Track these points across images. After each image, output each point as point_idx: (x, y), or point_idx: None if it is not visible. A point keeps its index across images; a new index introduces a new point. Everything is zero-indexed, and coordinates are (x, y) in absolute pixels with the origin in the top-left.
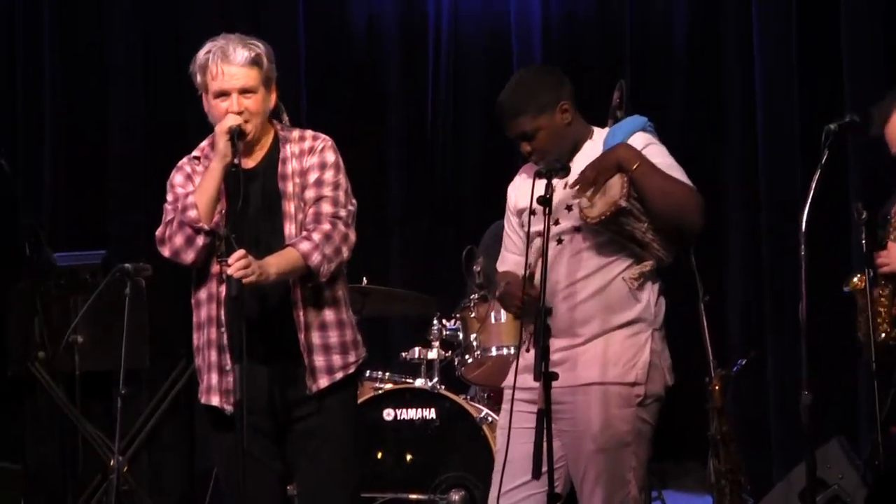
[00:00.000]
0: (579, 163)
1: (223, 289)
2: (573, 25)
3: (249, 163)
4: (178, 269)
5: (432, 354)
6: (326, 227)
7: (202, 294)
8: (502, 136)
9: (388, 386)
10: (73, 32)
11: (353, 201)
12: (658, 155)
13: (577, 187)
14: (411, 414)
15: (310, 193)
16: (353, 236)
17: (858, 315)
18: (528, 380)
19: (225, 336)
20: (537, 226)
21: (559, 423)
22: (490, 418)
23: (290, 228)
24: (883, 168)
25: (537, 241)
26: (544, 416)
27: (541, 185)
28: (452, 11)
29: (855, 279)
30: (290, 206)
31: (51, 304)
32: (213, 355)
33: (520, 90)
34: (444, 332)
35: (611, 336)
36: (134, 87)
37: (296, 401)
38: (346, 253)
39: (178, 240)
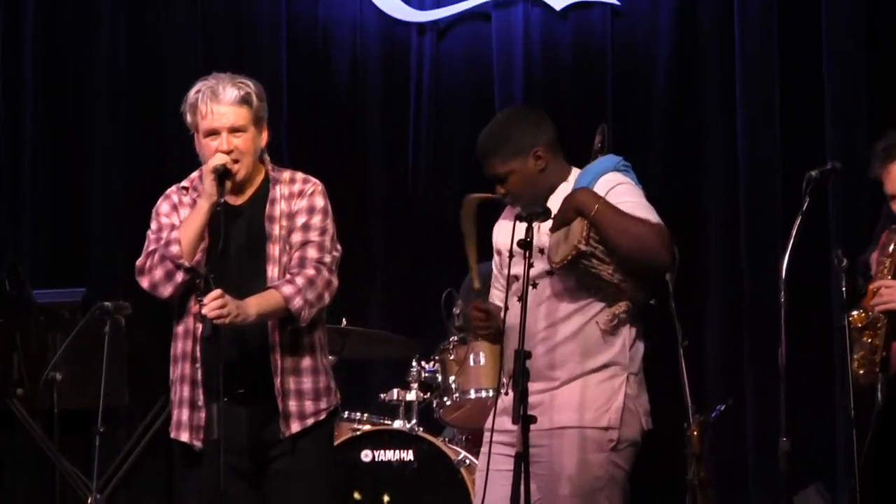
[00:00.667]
0: (552, 204)
1: (200, 326)
2: (555, 70)
3: (237, 200)
4: (158, 308)
5: (411, 396)
6: (310, 272)
7: (180, 328)
8: (483, 179)
9: (367, 427)
10: (55, 69)
11: (339, 247)
12: (625, 194)
13: (550, 231)
14: (389, 455)
15: (296, 237)
16: (335, 282)
17: (853, 349)
18: (506, 422)
19: (199, 372)
20: (515, 269)
21: (535, 465)
22: (468, 461)
23: (272, 271)
24: (863, 215)
25: (515, 285)
26: (522, 460)
27: (521, 228)
28: (434, 54)
29: (855, 314)
30: (274, 249)
31: (30, 340)
32: (186, 390)
33: (495, 132)
34: (423, 374)
35: (586, 380)
36: (115, 124)
37: (270, 442)
38: (327, 299)
39: (158, 273)
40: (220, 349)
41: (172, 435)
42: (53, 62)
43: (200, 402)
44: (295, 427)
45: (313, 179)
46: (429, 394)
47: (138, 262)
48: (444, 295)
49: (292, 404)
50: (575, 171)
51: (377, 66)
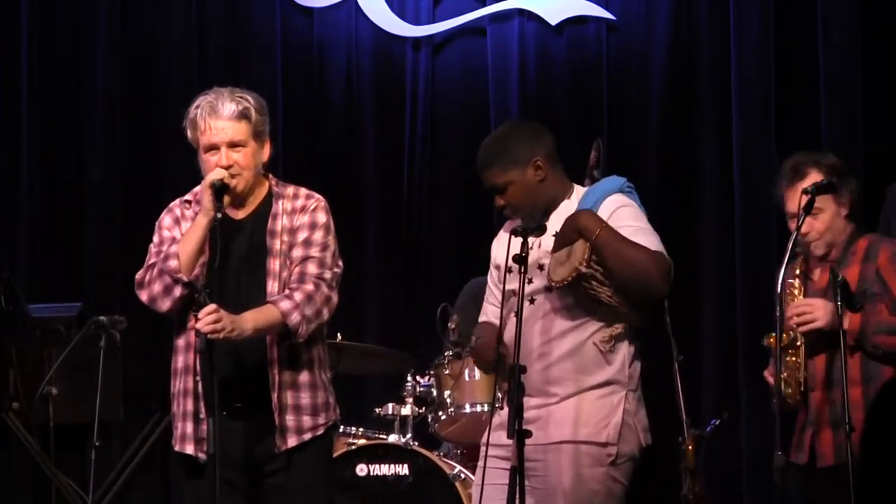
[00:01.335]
0: (554, 223)
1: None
2: (550, 85)
3: (239, 214)
4: (153, 323)
5: (406, 411)
6: (310, 287)
7: (181, 342)
8: (478, 194)
9: (362, 441)
10: (51, 85)
11: (340, 263)
12: (628, 218)
13: (552, 250)
14: (384, 470)
15: (297, 252)
16: (335, 299)
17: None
18: (502, 437)
19: (200, 385)
20: (512, 284)
21: (531, 480)
22: (463, 475)
23: (272, 286)
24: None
25: (512, 300)
26: (517, 474)
27: (516, 243)
28: (430, 69)
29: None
30: (274, 264)
31: (25, 355)
32: (189, 404)
33: (494, 143)
34: (418, 389)
35: (584, 396)
36: (112, 140)
37: (267, 457)
38: (326, 315)
39: (157, 287)
40: (215, 363)
41: (177, 448)
42: (49, 81)
43: (202, 415)
44: (292, 441)
45: (317, 195)
46: (424, 408)
47: (138, 275)
48: (440, 310)
49: (289, 419)
50: (578, 189)
51: (372, 80)
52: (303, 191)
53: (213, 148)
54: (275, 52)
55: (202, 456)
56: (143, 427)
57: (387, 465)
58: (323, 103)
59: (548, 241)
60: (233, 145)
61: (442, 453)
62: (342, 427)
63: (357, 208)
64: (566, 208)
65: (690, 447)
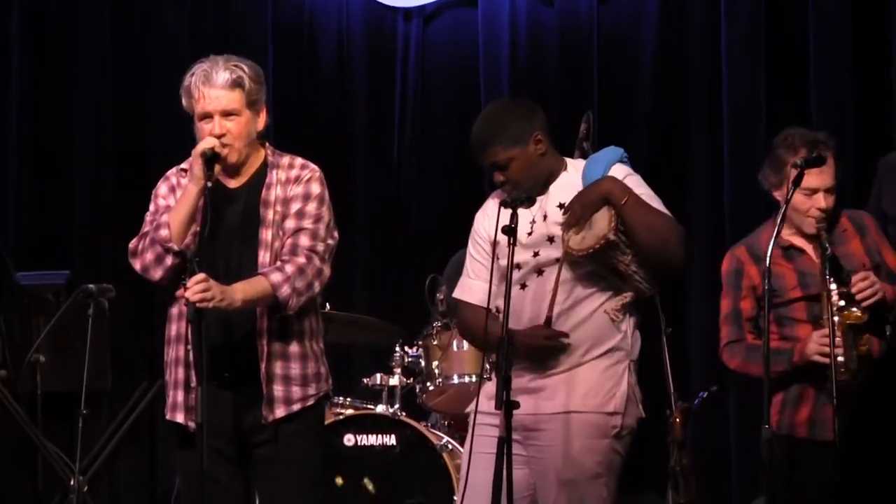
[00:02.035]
0: (555, 195)
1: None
2: (541, 56)
3: (233, 183)
4: (142, 291)
5: (394, 381)
6: (301, 260)
7: (174, 310)
8: (468, 166)
9: (349, 412)
10: (42, 54)
11: (335, 235)
12: (638, 186)
13: (564, 220)
14: (372, 440)
15: (290, 224)
16: (327, 271)
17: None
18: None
19: (192, 354)
20: (518, 256)
21: (532, 450)
22: (451, 446)
23: (264, 256)
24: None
25: (517, 273)
26: (504, 444)
27: (506, 215)
28: (421, 40)
29: (856, 310)
30: (267, 234)
31: (13, 323)
32: (181, 372)
33: (493, 120)
34: (406, 359)
35: (592, 365)
36: (100, 106)
37: (255, 427)
38: (317, 288)
39: (149, 256)
40: (203, 333)
41: (168, 416)
42: (40, 50)
43: (193, 384)
44: (280, 412)
45: (312, 166)
46: (412, 379)
47: (131, 244)
48: (428, 280)
49: (278, 389)
50: (571, 162)
51: (363, 51)
52: (298, 160)
53: (207, 116)
54: (265, 22)
55: (192, 425)
56: (130, 396)
57: (374, 436)
58: (314, 73)
59: (554, 213)
60: (226, 114)
61: (429, 424)
62: None
63: (347, 178)
64: (566, 180)
65: (678, 420)
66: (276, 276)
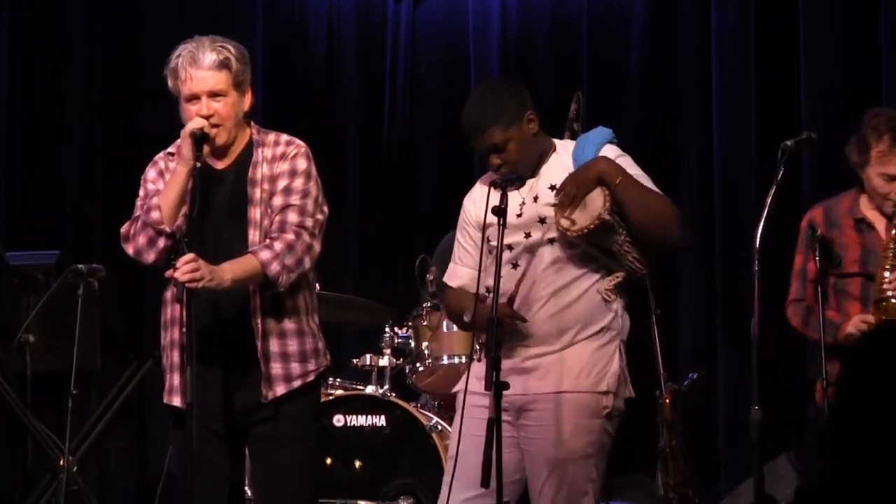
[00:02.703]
0: (546, 176)
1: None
2: (531, 37)
3: (220, 164)
4: (132, 272)
5: (383, 362)
6: (290, 236)
7: (169, 294)
8: (458, 147)
9: (339, 392)
10: (30, 32)
11: (325, 209)
12: (630, 167)
13: (557, 201)
14: (361, 421)
15: (277, 201)
16: (317, 247)
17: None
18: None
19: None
20: (509, 238)
21: (524, 430)
22: (440, 426)
23: (253, 235)
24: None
25: (508, 254)
26: (494, 426)
27: (495, 196)
28: (411, 21)
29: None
30: (255, 213)
31: (3, 303)
32: (176, 356)
33: (487, 103)
34: (396, 340)
35: (584, 345)
36: (90, 86)
37: (252, 407)
38: (308, 264)
39: (141, 240)
40: (197, 314)
41: (165, 400)
42: (28, 28)
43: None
44: (280, 390)
45: (297, 142)
46: (401, 360)
47: (123, 228)
48: (418, 261)
49: (276, 367)
50: (559, 143)
51: (354, 33)
52: (283, 137)
53: (194, 97)
54: (256, 4)
55: (185, 407)
56: (120, 376)
57: (364, 417)
58: (305, 55)
59: (545, 194)
60: (213, 95)
61: (419, 405)
62: None
63: (337, 159)
64: (556, 162)
65: (667, 401)
66: (264, 254)
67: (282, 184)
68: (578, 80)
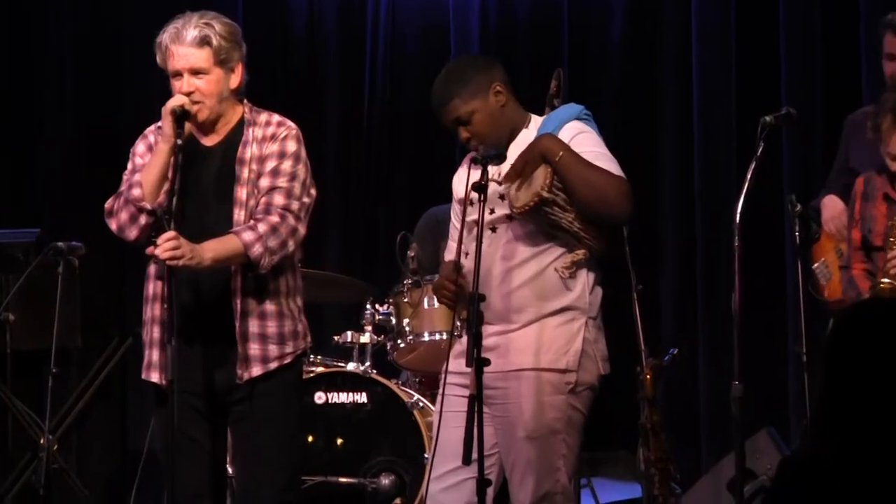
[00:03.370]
0: (513, 152)
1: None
2: (511, 14)
3: (208, 141)
4: (112, 249)
5: (364, 339)
6: (275, 218)
7: (152, 269)
8: (437, 127)
9: (320, 369)
10: (6, 6)
11: (312, 192)
12: (589, 143)
13: (504, 176)
14: (342, 398)
15: (264, 182)
16: (302, 231)
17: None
18: (461, 365)
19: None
20: (474, 215)
21: (492, 408)
22: (421, 403)
23: (238, 214)
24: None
25: (475, 230)
26: (475, 402)
27: (476, 172)
28: (390, 6)
29: (886, 281)
30: (241, 192)
31: None
32: (157, 331)
33: (451, 76)
34: (377, 317)
35: (544, 323)
36: (69, 64)
37: (231, 386)
38: (291, 247)
39: (124, 216)
40: (174, 291)
41: (143, 375)
42: (4, 3)
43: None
44: (256, 371)
45: (289, 123)
46: (382, 336)
47: (107, 204)
48: (399, 237)
49: (254, 347)
50: (535, 119)
51: (334, 10)
52: (276, 118)
53: (177, 74)
54: None
55: (165, 384)
56: (101, 354)
57: (345, 394)
58: (284, 33)
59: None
60: (195, 72)
61: (400, 382)
62: None
63: (317, 135)
64: (525, 137)
65: (648, 376)
66: (247, 235)
67: (270, 165)
68: (559, 58)
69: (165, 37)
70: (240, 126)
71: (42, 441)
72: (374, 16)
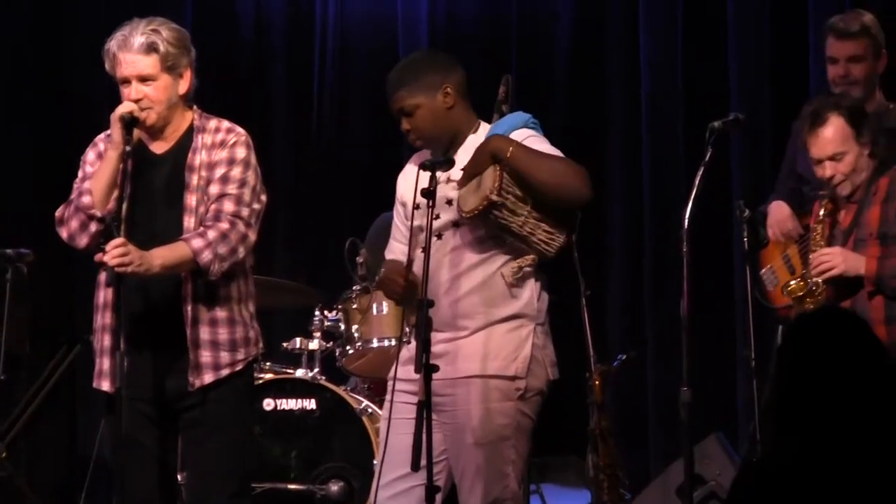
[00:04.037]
0: (461, 157)
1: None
2: (459, 19)
3: (158, 148)
4: (60, 256)
5: (313, 345)
6: (224, 225)
7: (102, 277)
8: (388, 128)
9: (269, 376)
10: None
11: (263, 198)
12: (538, 143)
13: (458, 182)
14: (291, 404)
15: (214, 189)
16: (252, 237)
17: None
18: (410, 371)
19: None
20: (421, 220)
21: (440, 415)
22: (370, 410)
23: (188, 221)
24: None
25: (421, 237)
26: (424, 408)
27: (424, 177)
28: (339, 12)
29: (793, 283)
30: (191, 199)
31: None
32: (107, 339)
33: (406, 66)
34: (326, 323)
35: (492, 330)
36: (18, 70)
37: (182, 392)
38: (242, 253)
39: (74, 224)
40: (123, 298)
41: (94, 384)
42: None
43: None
44: (208, 378)
45: (238, 129)
46: (331, 343)
47: (57, 212)
48: (348, 244)
49: (206, 355)
50: (484, 126)
51: (282, 11)
52: (225, 124)
53: (125, 81)
54: None
55: (114, 391)
56: (49, 360)
57: (294, 400)
58: (231, 34)
59: (456, 175)
60: (142, 79)
61: (349, 388)
62: None
63: (265, 138)
64: (472, 143)
65: (597, 382)
66: (197, 242)
67: (219, 172)
68: (507, 60)
69: (113, 44)
70: (189, 132)
71: None
72: (322, 21)
